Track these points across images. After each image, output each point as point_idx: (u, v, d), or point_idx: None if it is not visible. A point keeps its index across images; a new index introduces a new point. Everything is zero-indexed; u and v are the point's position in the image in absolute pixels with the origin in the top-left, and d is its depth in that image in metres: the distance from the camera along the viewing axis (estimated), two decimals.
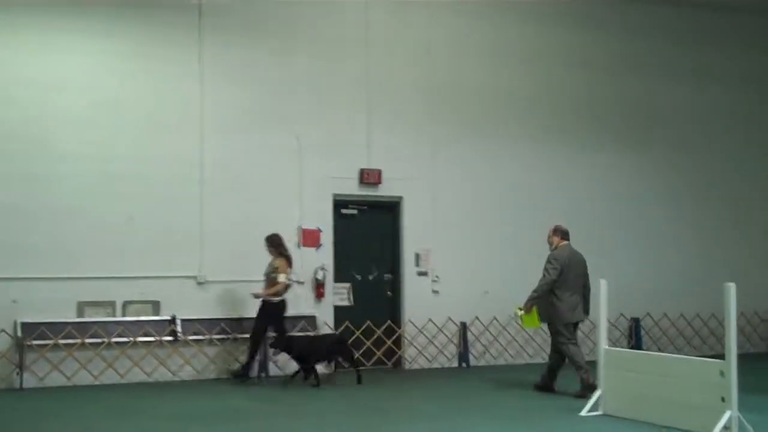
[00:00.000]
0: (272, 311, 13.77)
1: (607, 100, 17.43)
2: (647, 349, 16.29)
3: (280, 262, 13.76)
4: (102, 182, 13.99)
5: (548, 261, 12.60)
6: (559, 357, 12.65)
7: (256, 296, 13.76)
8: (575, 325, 12.71)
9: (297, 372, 13.52)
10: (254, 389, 13.40)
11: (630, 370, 10.57)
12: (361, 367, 13.85)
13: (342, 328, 14.90)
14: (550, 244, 12.87)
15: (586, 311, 12.78)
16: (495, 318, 15.99)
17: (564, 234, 12.87)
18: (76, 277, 13.66)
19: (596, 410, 10.61)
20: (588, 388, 11.66)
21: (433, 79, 16.09)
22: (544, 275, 12.50)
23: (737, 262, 17.10)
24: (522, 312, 12.74)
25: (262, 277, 13.82)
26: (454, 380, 14.11)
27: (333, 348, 13.72)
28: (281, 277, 13.67)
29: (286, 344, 13.37)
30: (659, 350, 16.23)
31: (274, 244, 13.93)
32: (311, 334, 14.43)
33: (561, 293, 12.45)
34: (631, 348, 16.15)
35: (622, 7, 17.57)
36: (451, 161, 16.12)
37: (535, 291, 12.51)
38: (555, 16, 17.04)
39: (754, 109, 18.57)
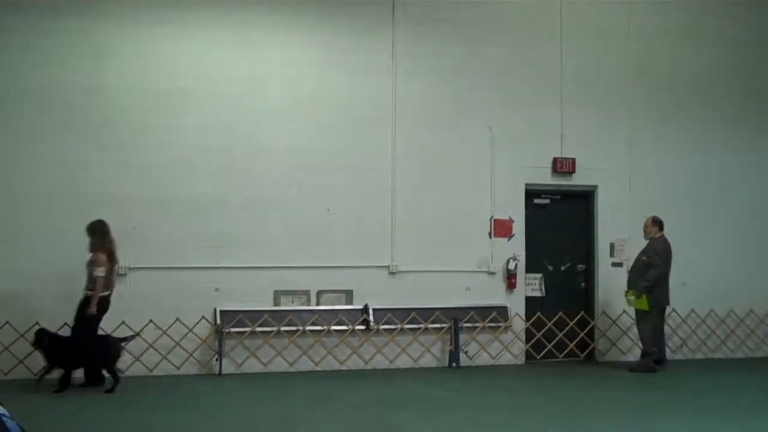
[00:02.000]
0: (101, 306, 12.19)
1: None
2: None
3: (96, 256, 12.17)
4: (301, 174, 14.19)
5: (655, 252, 14.01)
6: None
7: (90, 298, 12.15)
8: (664, 310, 14.19)
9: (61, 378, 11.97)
10: (446, 379, 13.36)
11: None
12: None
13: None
14: (647, 233, 14.26)
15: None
16: (693, 310, 15.53)
17: (661, 225, 14.23)
18: (273, 267, 13.94)
19: None
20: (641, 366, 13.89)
21: (629, 67, 15.69)
22: (652, 266, 13.89)
23: None
24: (633, 297, 14.00)
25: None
26: (651, 373, 13.73)
27: (93, 351, 12.01)
28: (99, 271, 12.07)
29: (40, 339, 11.88)
30: None
31: (94, 233, 12.34)
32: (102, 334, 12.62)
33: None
34: None
35: None
36: (647, 150, 15.66)
37: (648, 281, 13.84)
38: None
39: None
